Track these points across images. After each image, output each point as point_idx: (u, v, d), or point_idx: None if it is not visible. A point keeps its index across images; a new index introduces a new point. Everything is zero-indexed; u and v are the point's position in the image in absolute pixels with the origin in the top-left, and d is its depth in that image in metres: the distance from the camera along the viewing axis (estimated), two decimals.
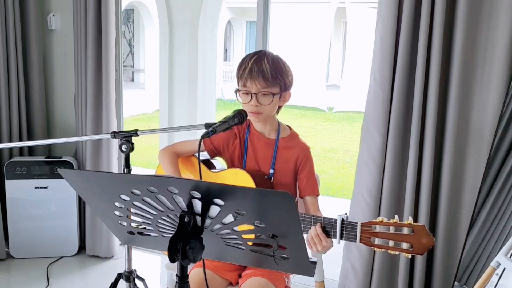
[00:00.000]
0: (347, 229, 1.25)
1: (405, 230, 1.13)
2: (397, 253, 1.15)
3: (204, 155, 1.74)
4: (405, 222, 1.14)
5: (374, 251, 2.16)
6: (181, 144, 1.77)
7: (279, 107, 1.65)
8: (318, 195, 1.66)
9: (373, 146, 2.11)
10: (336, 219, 1.27)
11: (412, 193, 2.06)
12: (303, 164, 1.63)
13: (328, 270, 1.82)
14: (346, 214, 1.29)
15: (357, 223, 1.22)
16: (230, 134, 1.66)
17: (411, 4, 1.94)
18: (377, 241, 1.18)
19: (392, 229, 1.15)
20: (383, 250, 1.18)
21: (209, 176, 1.68)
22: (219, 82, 10.48)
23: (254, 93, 1.53)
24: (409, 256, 1.15)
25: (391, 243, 1.15)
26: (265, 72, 1.51)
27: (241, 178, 1.57)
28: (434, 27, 1.93)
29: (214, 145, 1.69)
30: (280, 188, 1.63)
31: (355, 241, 1.22)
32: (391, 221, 1.16)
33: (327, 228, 1.30)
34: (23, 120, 2.87)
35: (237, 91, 1.59)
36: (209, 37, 5.31)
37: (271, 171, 1.63)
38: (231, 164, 1.70)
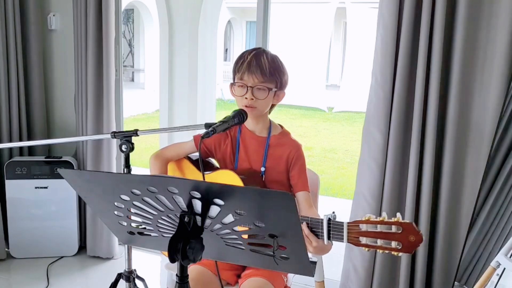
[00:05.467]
0: (333, 229, 1.20)
1: (393, 228, 1.09)
2: (386, 251, 1.11)
3: (197, 156, 1.74)
4: (392, 219, 1.09)
5: (376, 251, 2.15)
6: (171, 148, 1.77)
7: (272, 106, 1.66)
8: (309, 191, 1.64)
9: (375, 146, 2.11)
10: (322, 219, 1.23)
11: (413, 192, 2.06)
12: (295, 161, 1.63)
13: (329, 270, 1.82)
14: (333, 213, 1.24)
15: (343, 222, 1.18)
16: (221, 134, 1.64)
17: (412, 4, 1.94)
18: (365, 240, 1.13)
19: (380, 228, 1.11)
20: (371, 249, 1.13)
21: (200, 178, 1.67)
22: (219, 82, 10.48)
23: (250, 87, 1.54)
24: (399, 254, 1.10)
25: (379, 242, 1.11)
26: (263, 67, 1.53)
27: (230, 179, 1.57)
28: (434, 27, 1.93)
29: (206, 145, 1.70)
30: (272, 185, 1.63)
31: (343, 241, 1.18)
32: (378, 219, 1.11)
33: (315, 228, 1.26)
34: (23, 120, 2.87)
35: (232, 85, 1.60)
36: (209, 37, 5.30)
37: (263, 169, 1.63)
38: (223, 164, 1.70)
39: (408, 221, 1.07)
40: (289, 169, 1.64)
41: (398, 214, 1.09)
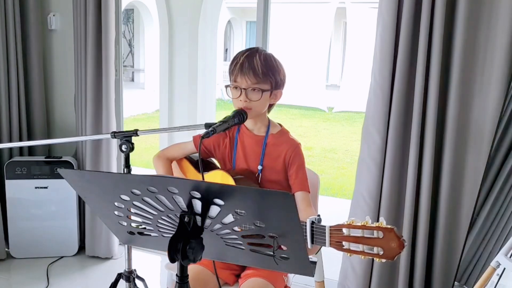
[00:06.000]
0: (316, 232, 1.16)
1: (375, 233, 1.04)
2: (369, 257, 1.07)
3: (197, 156, 1.74)
4: (374, 224, 1.05)
5: None
6: (172, 148, 1.77)
7: (271, 106, 1.65)
8: (308, 191, 1.61)
9: (373, 146, 2.11)
10: (306, 223, 1.18)
11: (412, 193, 2.06)
12: (292, 160, 1.62)
13: (328, 270, 1.82)
14: (318, 216, 1.20)
15: (325, 226, 1.14)
16: (220, 134, 1.63)
17: (411, 4, 1.94)
18: (347, 245, 1.09)
19: (362, 232, 1.07)
20: (354, 255, 1.09)
21: (196, 178, 1.67)
22: (219, 82, 10.47)
23: (244, 89, 1.53)
24: (381, 261, 1.06)
25: (361, 247, 1.07)
26: (256, 68, 1.52)
27: (221, 180, 1.57)
28: (434, 27, 1.93)
29: (205, 145, 1.69)
30: (269, 185, 1.62)
31: (325, 246, 1.14)
32: (360, 223, 1.07)
33: None
34: (23, 120, 2.87)
35: (227, 86, 1.59)
36: (209, 37, 5.31)
37: (260, 167, 1.62)
38: (223, 164, 1.70)
39: (390, 226, 1.03)
40: (287, 168, 1.63)
41: (381, 219, 1.06)
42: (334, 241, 1.12)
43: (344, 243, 1.10)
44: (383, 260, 1.05)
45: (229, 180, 1.54)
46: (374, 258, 1.06)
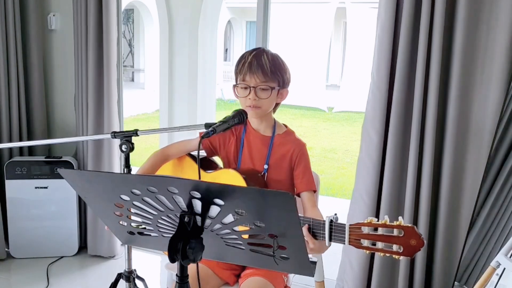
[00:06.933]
0: (335, 231, 1.20)
1: (395, 232, 1.09)
2: (387, 255, 1.11)
3: (201, 154, 1.74)
4: (394, 223, 1.09)
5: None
6: (175, 146, 1.77)
7: (276, 105, 1.66)
8: (315, 190, 1.64)
9: (372, 146, 2.11)
10: (324, 221, 1.23)
11: (412, 193, 2.06)
12: (298, 160, 1.63)
13: (328, 270, 1.82)
14: (335, 215, 1.24)
15: (345, 224, 1.18)
16: (227, 132, 1.65)
17: (411, 5, 1.94)
18: (366, 243, 1.13)
19: (381, 230, 1.11)
20: (372, 252, 1.15)
21: (203, 177, 1.67)
22: (219, 82, 10.48)
23: (253, 87, 1.54)
24: (400, 258, 1.11)
25: (380, 245, 1.11)
26: (264, 66, 1.54)
27: (232, 179, 1.57)
28: (434, 27, 1.93)
29: (211, 142, 1.70)
30: (274, 184, 1.63)
31: (344, 243, 1.18)
32: (380, 222, 1.12)
33: (316, 230, 1.26)
34: (23, 120, 2.87)
35: (235, 86, 1.60)
36: (209, 37, 5.30)
37: (266, 166, 1.63)
38: (226, 162, 1.71)
39: (410, 225, 1.08)
40: (292, 168, 1.64)
41: (400, 218, 1.09)
42: (353, 239, 1.16)
43: (362, 240, 1.13)
44: (401, 258, 1.10)
45: (239, 179, 1.54)
46: (393, 256, 1.10)
